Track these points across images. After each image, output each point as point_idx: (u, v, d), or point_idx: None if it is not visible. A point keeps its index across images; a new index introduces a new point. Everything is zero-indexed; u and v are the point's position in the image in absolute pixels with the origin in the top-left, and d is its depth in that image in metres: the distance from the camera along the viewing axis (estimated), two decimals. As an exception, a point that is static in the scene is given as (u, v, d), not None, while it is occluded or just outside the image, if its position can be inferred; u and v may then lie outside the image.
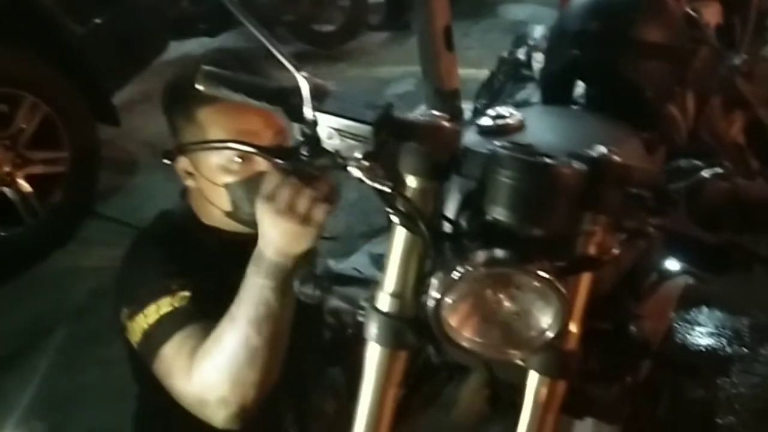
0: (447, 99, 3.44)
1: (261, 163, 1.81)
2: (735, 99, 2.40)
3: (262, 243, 1.63)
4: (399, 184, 1.29)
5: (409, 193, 1.29)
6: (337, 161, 1.31)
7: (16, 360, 3.46)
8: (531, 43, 2.60)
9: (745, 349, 3.14)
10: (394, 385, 1.39)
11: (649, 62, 1.96)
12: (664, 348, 2.81)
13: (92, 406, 3.11)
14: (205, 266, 1.90)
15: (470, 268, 1.19)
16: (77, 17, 4.41)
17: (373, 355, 1.37)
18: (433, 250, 1.29)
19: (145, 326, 1.80)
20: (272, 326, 1.67)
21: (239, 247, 1.88)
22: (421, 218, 1.27)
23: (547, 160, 1.17)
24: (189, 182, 1.94)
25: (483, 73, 2.85)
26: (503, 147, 1.22)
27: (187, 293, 1.81)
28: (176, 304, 1.79)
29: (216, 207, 1.92)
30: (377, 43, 6.85)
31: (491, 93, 2.62)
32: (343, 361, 2.29)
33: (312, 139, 1.32)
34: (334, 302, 2.29)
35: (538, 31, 2.62)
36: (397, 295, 1.35)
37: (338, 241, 3.65)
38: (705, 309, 3.33)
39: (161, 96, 1.95)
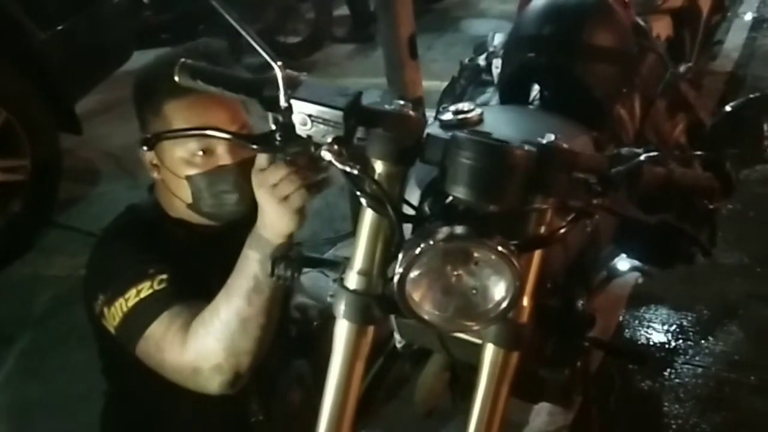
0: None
1: (222, 157, 1.90)
2: (679, 103, 2.50)
3: (260, 222, 1.69)
4: (367, 168, 1.37)
5: (376, 177, 1.38)
6: (310, 146, 1.39)
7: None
8: (491, 50, 2.69)
9: (689, 342, 3.26)
10: (361, 359, 1.47)
11: (598, 65, 2.06)
12: (614, 341, 2.93)
13: (55, 412, 3.11)
14: (173, 256, 1.95)
15: (431, 243, 1.27)
16: (40, 22, 4.31)
17: (341, 331, 1.46)
18: (399, 230, 1.37)
19: (126, 309, 1.85)
20: (264, 298, 1.75)
21: (203, 239, 2.02)
22: (388, 200, 1.35)
23: (502, 142, 1.27)
24: (154, 174, 2.00)
25: (445, 85, 2.95)
26: (463, 133, 1.32)
27: (165, 276, 1.87)
28: (156, 287, 1.86)
29: (178, 198, 1.97)
30: (342, 55, 6.90)
31: (453, 97, 2.71)
32: (309, 354, 2.33)
33: (286, 126, 1.40)
34: (300, 298, 2.39)
35: (498, 39, 2.70)
36: (364, 273, 1.43)
37: (304, 246, 3.68)
38: (653, 305, 3.44)
39: (132, 90, 1.98)
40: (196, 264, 1.97)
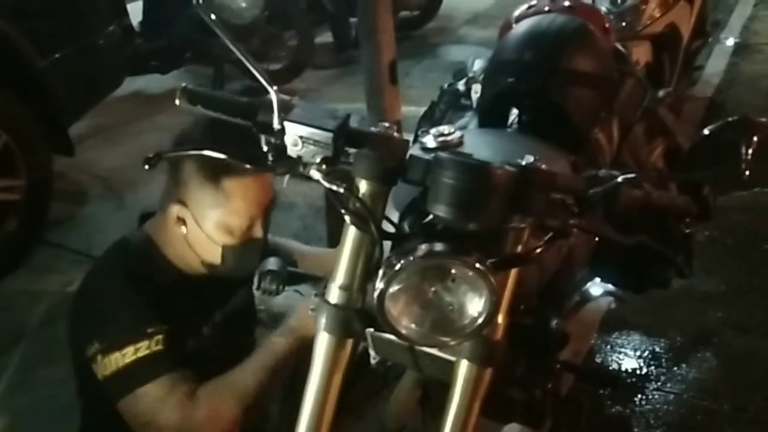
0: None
1: (256, 231, 2.04)
2: (657, 127, 2.53)
3: (294, 322, 1.99)
4: (352, 186, 1.42)
5: (360, 195, 1.42)
6: (300, 166, 1.43)
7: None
8: (470, 75, 2.72)
9: (662, 369, 3.28)
10: (339, 371, 1.51)
11: (577, 90, 2.09)
12: (586, 365, 2.95)
13: (42, 424, 3.15)
14: (165, 300, 2.04)
15: (411, 259, 1.32)
16: (39, 50, 4.42)
17: (322, 343, 1.50)
18: (380, 247, 1.42)
19: (121, 365, 1.93)
20: (285, 368, 1.99)
21: (193, 281, 2.13)
22: (371, 217, 1.40)
23: (483, 162, 1.31)
24: (178, 229, 2.06)
25: (423, 110, 2.96)
26: (444, 153, 1.36)
27: (160, 337, 1.97)
28: (153, 348, 1.95)
29: (197, 254, 2.07)
30: (322, 81, 6.94)
31: (432, 121, 2.74)
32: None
33: (278, 147, 1.44)
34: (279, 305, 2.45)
35: (478, 64, 2.73)
36: (345, 288, 1.48)
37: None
38: (626, 330, 3.47)
39: (177, 160, 2.04)
40: (184, 304, 2.09)
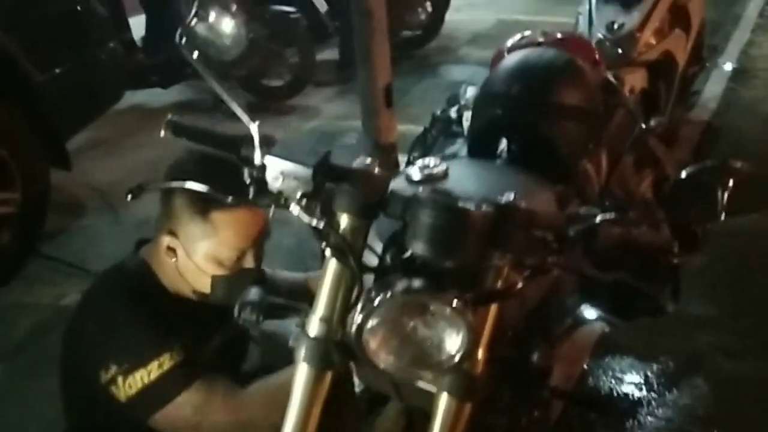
0: (385, 152, 3.60)
1: (248, 262, 2.07)
2: (647, 157, 2.55)
3: None
4: (332, 220, 1.45)
5: (341, 230, 1.45)
6: (281, 200, 1.47)
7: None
8: (462, 102, 2.72)
9: (653, 394, 3.27)
10: (318, 403, 1.53)
11: (564, 123, 2.11)
12: (577, 390, 2.95)
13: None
14: (168, 324, 2.06)
15: (390, 295, 1.34)
16: (39, 64, 4.44)
17: (301, 374, 1.52)
18: (359, 281, 1.44)
19: (147, 381, 1.98)
20: None
21: (188, 306, 2.14)
22: (351, 252, 1.43)
23: (460, 204, 1.33)
24: (169, 259, 2.08)
25: (421, 129, 2.98)
26: (424, 191, 1.38)
27: (180, 347, 2.02)
28: (176, 359, 2.00)
29: (187, 282, 2.10)
30: (322, 98, 6.96)
31: (424, 147, 2.76)
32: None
33: (260, 181, 1.48)
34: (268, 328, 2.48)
35: (470, 92, 2.74)
36: (325, 320, 1.50)
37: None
38: (618, 355, 3.46)
39: (168, 192, 2.06)
40: (184, 327, 2.09)
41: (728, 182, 1.40)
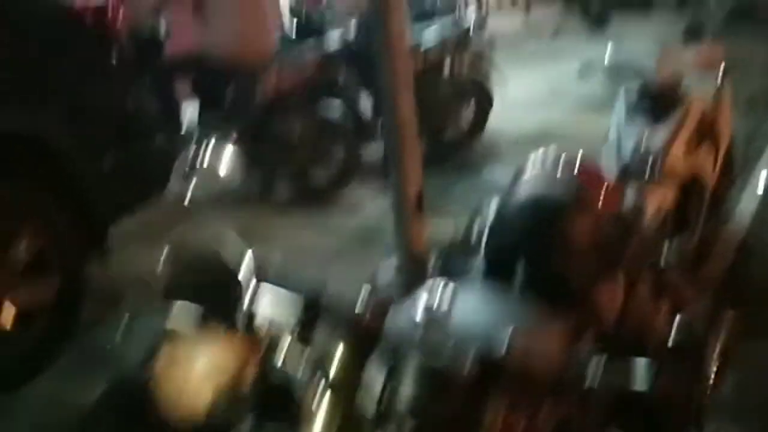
0: (415, 258, 3.62)
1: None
2: (664, 284, 2.56)
3: None
4: (325, 358, 1.47)
5: (332, 369, 1.46)
6: (271, 328, 1.50)
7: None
8: (486, 216, 2.76)
9: None
10: None
11: (576, 257, 2.14)
12: None
13: None
14: None
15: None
16: (90, 156, 4.52)
17: None
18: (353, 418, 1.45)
19: None
20: None
21: None
22: (342, 390, 1.45)
23: (444, 366, 1.36)
24: None
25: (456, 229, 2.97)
26: (417, 332, 1.40)
27: None
28: None
29: None
30: (364, 195, 7.02)
31: (444, 261, 2.77)
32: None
33: (250, 315, 1.52)
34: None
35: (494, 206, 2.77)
36: None
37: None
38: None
39: None
40: None
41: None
